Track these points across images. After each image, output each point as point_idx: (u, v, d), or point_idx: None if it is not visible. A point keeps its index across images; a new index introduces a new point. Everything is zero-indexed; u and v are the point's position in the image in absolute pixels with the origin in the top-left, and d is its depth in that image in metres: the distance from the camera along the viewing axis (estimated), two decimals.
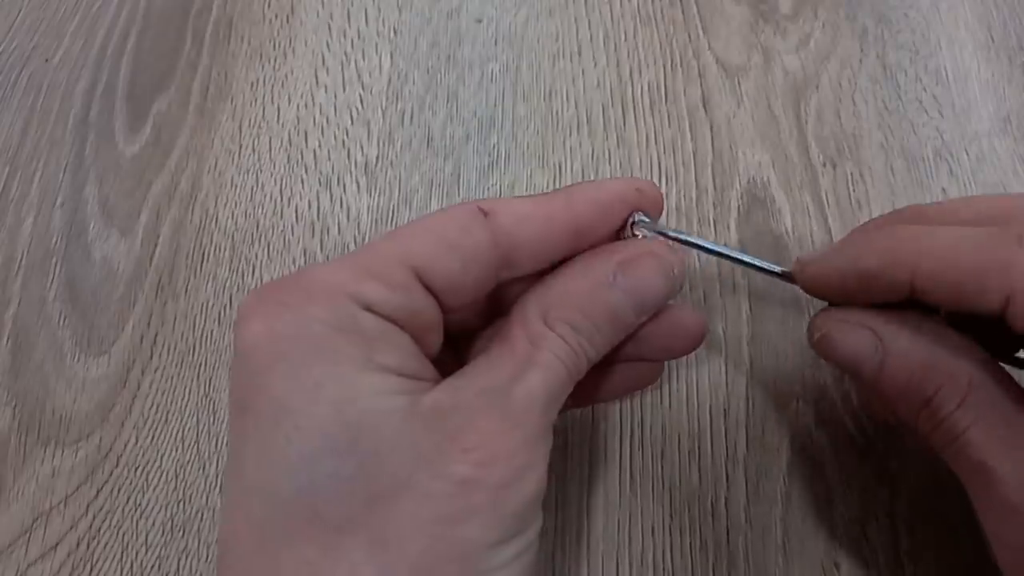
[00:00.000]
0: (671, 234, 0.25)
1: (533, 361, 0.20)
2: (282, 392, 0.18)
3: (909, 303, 0.22)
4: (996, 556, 0.21)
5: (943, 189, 0.33)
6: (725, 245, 0.27)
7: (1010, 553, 0.20)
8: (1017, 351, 0.25)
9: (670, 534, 0.27)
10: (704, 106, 0.35)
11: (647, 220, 0.24)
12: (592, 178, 0.34)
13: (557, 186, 0.34)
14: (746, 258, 0.25)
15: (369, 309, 0.19)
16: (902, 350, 0.22)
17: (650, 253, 0.23)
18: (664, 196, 0.32)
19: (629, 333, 0.23)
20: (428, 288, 0.20)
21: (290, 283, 0.19)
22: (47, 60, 0.38)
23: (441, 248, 0.20)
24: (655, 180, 0.34)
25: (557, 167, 0.34)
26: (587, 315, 0.21)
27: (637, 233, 0.24)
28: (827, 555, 0.27)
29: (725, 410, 0.29)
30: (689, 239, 0.25)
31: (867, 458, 0.28)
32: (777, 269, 0.25)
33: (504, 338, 0.21)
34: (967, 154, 0.34)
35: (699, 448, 0.28)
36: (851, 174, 0.33)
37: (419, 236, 0.20)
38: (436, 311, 0.21)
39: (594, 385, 0.25)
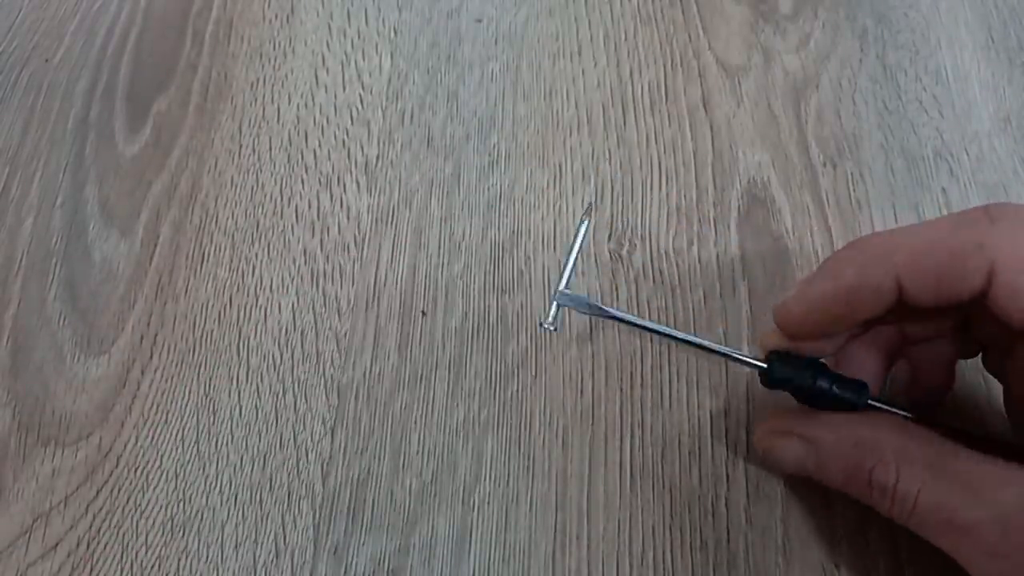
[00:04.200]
0: (615, 314, 0.26)
1: None
2: None
3: (895, 315, 0.23)
4: None
5: (943, 189, 0.33)
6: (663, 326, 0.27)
7: None
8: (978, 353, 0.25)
9: (670, 534, 0.27)
10: (704, 106, 0.35)
11: (568, 293, 0.26)
12: (592, 178, 0.34)
13: (557, 186, 0.34)
14: (697, 340, 0.26)
15: None
16: (829, 444, 0.23)
17: None
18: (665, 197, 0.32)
19: None
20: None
21: None
22: (47, 60, 0.38)
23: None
24: (655, 180, 0.34)
25: (557, 167, 0.34)
26: None
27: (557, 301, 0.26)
28: (827, 556, 0.27)
29: (725, 410, 0.29)
30: (623, 317, 0.26)
31: None
32: (723, 350, 0.26)
33: None
34: (967, 154, 0.34)
35: (699, 448, 0.28)
36: (851, 174, 0.33)
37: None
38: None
39: None
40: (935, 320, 0.24)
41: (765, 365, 0.25)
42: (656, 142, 0.34)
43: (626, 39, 0.37)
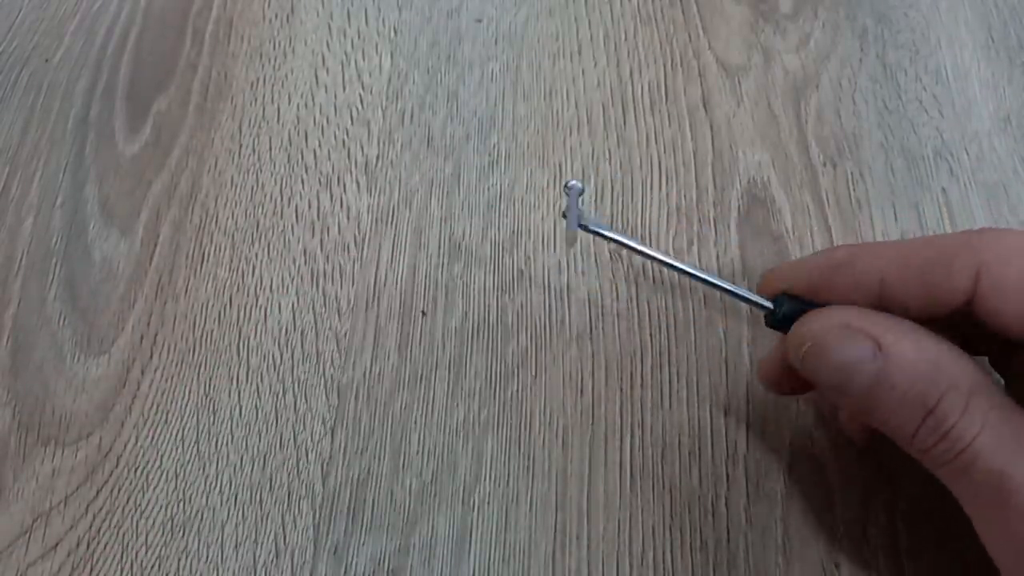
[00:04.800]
0: (622, 240, 0.26)
1: None
2: None
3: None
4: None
5: (943, 189, 0.33)
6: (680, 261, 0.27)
7: None
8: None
9: (670, 534, 0.27)
10: (704, 106, 0.35)
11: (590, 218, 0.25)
12: (592, 178, 0.34)
13: (557, 185, 0.34)
14: (704, 275, 0.25)
15: None
16: (906, 357, 0.20)
17: None
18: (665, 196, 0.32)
19: None
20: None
21: None
22: (47, 60, 0.38)
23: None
24: (655, 180, 0.34)
25: (557, 167, 0.34)
26: None
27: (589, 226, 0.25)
28: (827, 555, 0.27)
29: (725, 410, 0.29)
30: (639, 248, 0.26)
31: (867, 458, 0.28)
32: (728, 286, 0.25)
33: None
34: (967, 154, 0.34)
35: (699, 448, 0.28)
36: (851, 174, 0.33)
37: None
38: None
39: None
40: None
41: (771, 305, 0.24)
42: (656, 142, 0.34)
43: (626, 39, 0.37)
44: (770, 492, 0.28)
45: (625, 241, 0.26)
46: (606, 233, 0.26)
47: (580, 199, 0.26)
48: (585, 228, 0.26)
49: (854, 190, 0.33)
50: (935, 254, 0.21)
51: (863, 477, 0.28)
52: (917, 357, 0.20)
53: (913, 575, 0.26)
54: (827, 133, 0.34)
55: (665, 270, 0.31)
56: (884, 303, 0.22)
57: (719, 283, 0.25)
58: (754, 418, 0.29)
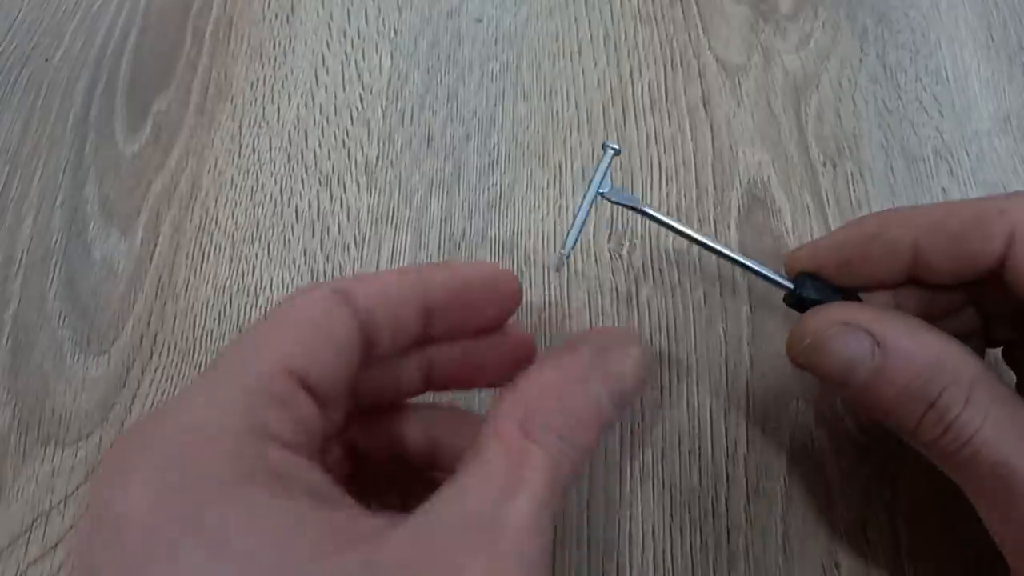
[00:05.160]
0: (650, 212, 0.25)
1: (520, 480, 0.16)
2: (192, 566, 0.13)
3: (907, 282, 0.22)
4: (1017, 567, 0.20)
5: (943, 189, 0.33)
6: (707, 235, 0.26)
7: None
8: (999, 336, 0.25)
9: (670, 534, 0.27)
10: (704, 106, 0.35)
11: (616, 188, 0.24)
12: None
13: (557, 185, 0.34)
14: (727, 251, 0.25)
15: (277, 442, 0.16)
16: (904, 351, 0.20)
17: (623, 340, 0.21)
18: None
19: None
20: (309, 391, 0.17)
21: (169, 427, 0.15)
22: (47, 60, 0.38)
23: (313, 340, 0.18)
24: (655, 180, 0.34)
25: (557, 166, 0.34)
26: (570, 417, 0.18)
27: (611, 197, 0.25)
28: (827, 555, 0.27)
29: (725, 410, 0.29)
30: (667, 221, 0.25)
31: (867, 458, 0.28)
32: (754, 266, 0.25)
33: (478, 459, 0.17)
34: (967, 154, 0.34)
35: (699, 448, 0.28)
36: (851, 174, 0.33)
37: (288, 330, 0.18)
38: (318, 415, 0.18)
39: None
40: (949, 296, 0.24)
41: (792, 285, 0.24)
42: (656, 142, 0.34)
43: (626, 39, 0.37)
44: (770, 492, 0.28)
45: (652, 213, 0.25)
46: (637, 206, 0.25)
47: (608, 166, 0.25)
48: (608, 199, 0.25)
49: (854, 190, 0.33)
50: (969, 218, 0.21)
51: (863, 477, 0.28)
52: (916, 351, 0.20)
53: (913, 575, 0.26)
54: (827, 133, 0.34)
55: (666, 269, 0.31)
56: (917, 270, 0.22)
57: (743, 260, 0.24)
58: (754, 418, 0.29)
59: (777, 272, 0.24)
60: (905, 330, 0.21)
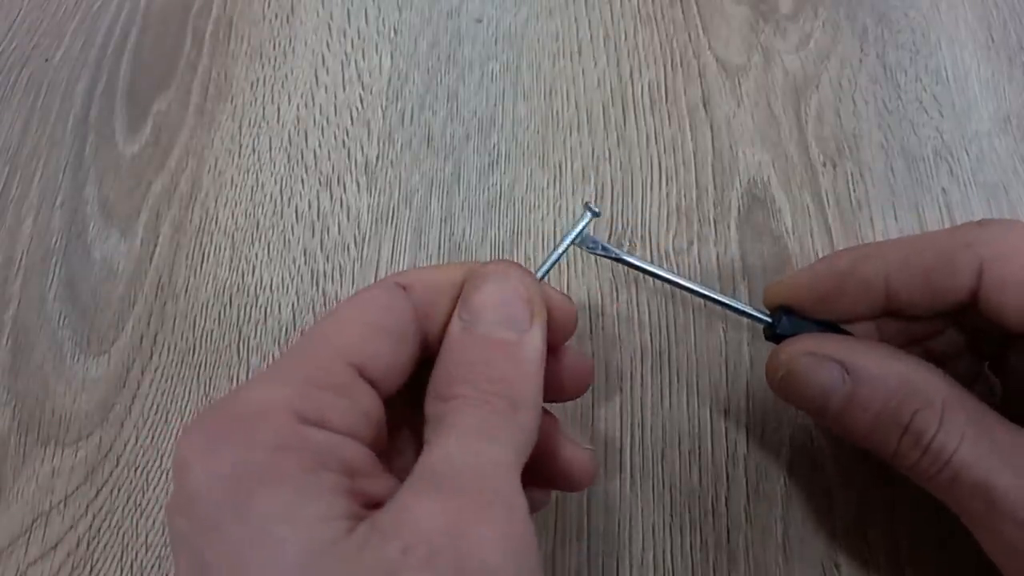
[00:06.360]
0: (630, 260, 0.25)
1: (439, 436, 0.18)
2: (236, 547, 0.16)
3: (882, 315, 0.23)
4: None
5: (943, 189, 0.33)
6: (673, 272, 0.26)
7: None
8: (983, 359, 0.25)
9: (670, 534, 0.27)
10: (704, 106, 0.35)
11: (595, 240, 0.25)
12: (592, 178, 0.34)
13: (557, 185, 0.34)
14: (709, 293, 0.25)
15: (320, 425, 0.17)
16: (873, 378, 0.21)
17: (481, 273, 0.21)
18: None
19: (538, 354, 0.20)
20: (369, 381, 0.19)
21: (227, 413, 0.17)
22: (47, 60, 0.38)
23: (372, 333, 0.19)
24: (655, 180, 0.34)
25: (557, 166, 0.34)
26: (469, 368, 0.19)
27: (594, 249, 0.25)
28: (827, 555, 0.27)
29: (725, 410, 0.29)
30: (648, 268, 0.26)
31: (867, 458, 0.28)
32: (726, 300, 0.25)
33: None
34: (967, 154, 0.34)
35: (699, 448, 0.28)
36: (851, 174, 0.33)
37: (348, 326, 0.19)
38: (379, 403, 0.19)
39: None
40: (930, 323, 0.24)
41: (770, 319, 0.24)
42: (656, 142, 0.34)
43: (626, 39, 0.37)
44: (770, 492, 0.28)
45: (632, 261, 0.26)
46: (618, 256, 0.26)
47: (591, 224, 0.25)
48: (594, 251, 0.26)
49: (854, 190, 0.33)
50: (937, 254, 0.21)
51: (863, 477, 0.28)
52: (885, 376, 0.21)
53: (913, 575, 0.26)
54: (827, 133, 0.34)
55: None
56: (891, 304, 0.22)
57: (723, 300, 0.25)
58: (754, 418, 0.29)
59: (758, 309, 0.25)
60: (874, 356, 0.21)
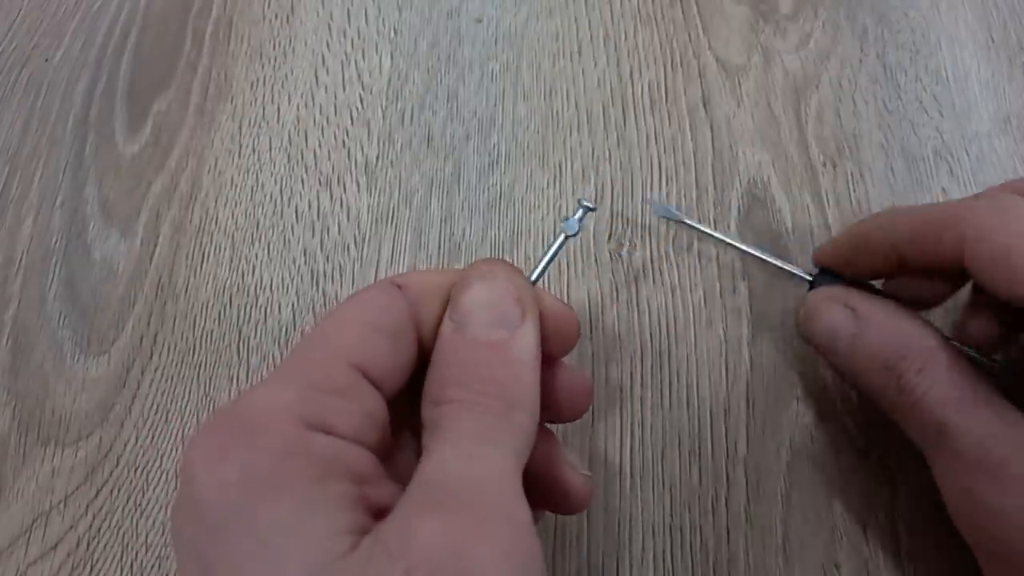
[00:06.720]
0: (687, 221, 0.29)
1: (436, 442, 0.18)
2: (240, 559, 0.16)
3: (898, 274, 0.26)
4: (952, 514, 0.22)
5: (943, 189, 0.33)
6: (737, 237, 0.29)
7: (963, 508, 0.21)
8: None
9: (670, 534, 0.27)
10: (704, 106, 0.35)
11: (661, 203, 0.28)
12: (592, 178, 0.34)
13: (557, 185, 0.34)
14: (756, 252, 0.29)
15: (326, 431, 0.17)
16: (876, 322, 0.24)
17: (466, 277, 0.21)
18: (670, 194, 0.32)
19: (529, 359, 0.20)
20: (371, 381, 0.19)
21: (233, 419, 0.17)
22: (47, 60, 0.38)
23: (372, 333, 0.19)
24: (655, 180, 0.34)
25: (557, 166, 0.34)
26: (462, 370, 0.19)
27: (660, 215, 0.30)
28: (827, 555, 0.27)
29: (725, 410, 0.29)
30: (703, 229, 0.30)
31: (867, 458, 0.28)
32: (779, 263, 0.29)
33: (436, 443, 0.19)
34: (967, 154, 0.34)
35: (699, 448, 0.28)
36: (851, 174, 0.33)
37: (347, 326, 0.19)
38: (383, 404, 0.19)
39: None
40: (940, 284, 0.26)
41: (811, 279, 0.28)
42: (656, 142, 0.34)
43: (626, 39, 0.37)
44: (770, 492, 0.28)
45: (698, 227, 0.30)
46: (685, 220, 0.30)
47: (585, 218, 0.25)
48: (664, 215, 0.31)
49: (854, 190, 0.33)
50: (931, 224, 0.23)
51: (863, 477, 0.28)
52: (886, 322, 0.24)
53: (913, 575, 0.26)
54: (827, 133, 0.34)
55: (666, 269, 0.31)
56: (905, 267, 0.25)
57: (777, 262, 0.29)
58: (754, 418, 0.29)
59: (804, 270, 0.28)
60: (880, 307, 0.25)
